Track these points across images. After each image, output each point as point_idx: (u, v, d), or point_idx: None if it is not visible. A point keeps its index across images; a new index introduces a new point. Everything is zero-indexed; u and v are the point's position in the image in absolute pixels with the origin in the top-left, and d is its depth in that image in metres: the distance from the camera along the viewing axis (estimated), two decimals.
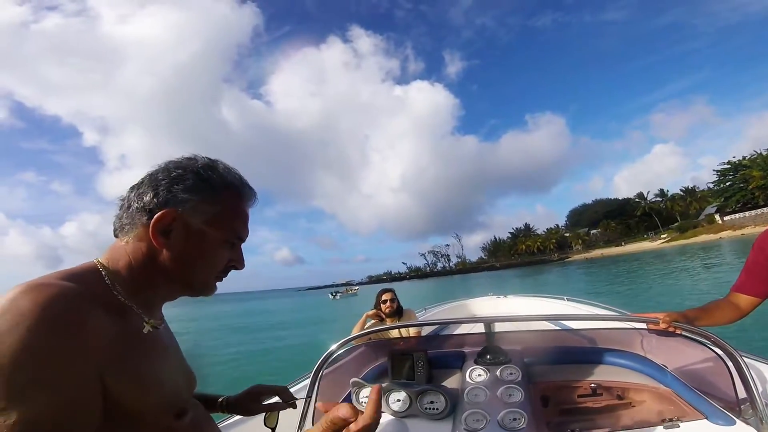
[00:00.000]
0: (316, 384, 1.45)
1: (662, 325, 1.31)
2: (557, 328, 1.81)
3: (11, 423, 0.45)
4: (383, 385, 1.33)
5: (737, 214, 63.21)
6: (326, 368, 1.50)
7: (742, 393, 1.19)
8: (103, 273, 0.64)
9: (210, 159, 0.71)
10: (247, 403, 1.05)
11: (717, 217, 68.08)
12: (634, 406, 1.27)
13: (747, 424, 1.10)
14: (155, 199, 0.65)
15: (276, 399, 1.09)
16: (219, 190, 0.68)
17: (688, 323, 1.32)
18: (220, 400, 1.03)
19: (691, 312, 1.44)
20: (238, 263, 0.74)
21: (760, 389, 1.27)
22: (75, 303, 0.54)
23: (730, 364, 1.21)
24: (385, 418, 1.30)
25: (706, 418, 1.13)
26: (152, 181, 0.66)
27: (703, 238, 59.58)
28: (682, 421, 1.13)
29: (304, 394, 1.48)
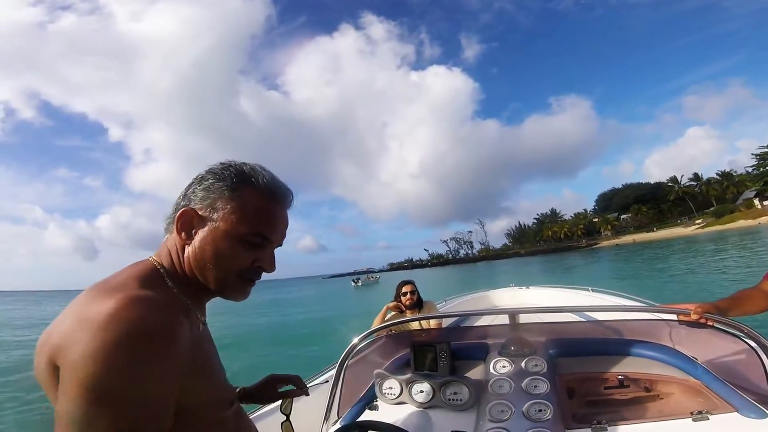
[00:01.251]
0: (342, 375, 1.49)
1: (693, 317, 1.27)
2: (583, 319, 1.77)
3: (107, 426, 0.50)
4: (407, 376, 1.35)
5: None
6: (350, 360, 1.52)
7: None
8: (163, 273, 0.69)
9: (240, 162, 0.73)
10: (264, 392, 1.09)
11: (756, 201, 64.52)
12: (662, 398, 1.25)
13: None
14: (183, 201, 0.71)
15: (290, 387, 1.13)
16: (238, 188, 0.69)
17: (720, 314, 1.29)
18: (237, 390, 1.05)
19: (722, 302, 1.39)
20: (264, 264, 0.72)
21: None
22: (167, 315, 0.59)
23: (763, 356, 1.18)
24: (409, 409, 1.32)
25: (737, 411, 1.10)
26: (189, 183, 0.73)
27: (741, 223, 56.67)
28: (711, 414, 1.10)
29: (329, 385, 1.52)
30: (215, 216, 0.68)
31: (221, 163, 0.72)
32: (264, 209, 0.70)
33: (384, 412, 1.35)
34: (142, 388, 0.52)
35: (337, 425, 1.18)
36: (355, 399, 1.46)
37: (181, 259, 0.70)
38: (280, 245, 0.75)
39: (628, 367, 1.38)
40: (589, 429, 1.12)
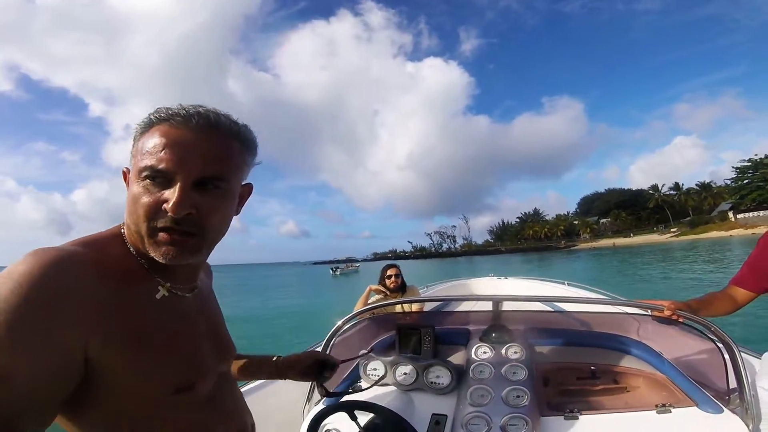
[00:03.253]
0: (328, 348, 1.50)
1: (666, 313, 1.35)
2: (561, 310, 1.84)
3: None
4: (391, 358, 1.38)
5: (752, 213, 62.05)
6: (335, 340, 1.54)
7: (732, 384, 1.23)
8: (125, 235, 0.63)
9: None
10: (306, 363, 1.02)
11: (731, 214, 66.95)
12: (630, 390, 1.31)
13: (734, 413, 1.14)
14: None
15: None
16: (144, 131, 0.61)
17: (691, 312, 1.36)
18: (274, 359, 1.00)
19: (693, 302, 1.47)
20: (167, 202, 0.57)
21: (750, 380, 1.31)
22: (69, 270, 0.52)
23: (726, 354, 1.25)
24: (393, 391, 1.35)
25: (697, 405, 1.17)
26: None
27: (714, 234, 58.88)
28: (674, 407, 1.16)
29: None
30: (131, 165, 0.62)
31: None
32: (155, 138, 0.59)
33: (367, 393, 1.36)
34: (7, 337, 0.46)
35: (320, 405, 1.19)
36: (339, 380, 1.48)
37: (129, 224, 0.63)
38: (203, 177, 0.59)
39: (600, 358, 1.45)
40: (562, 417, 1.17)
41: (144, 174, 0.58)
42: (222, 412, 0.73)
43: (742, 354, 1.80)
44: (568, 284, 4.17)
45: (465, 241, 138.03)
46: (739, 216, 64.30)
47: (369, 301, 3.19)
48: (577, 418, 1.15)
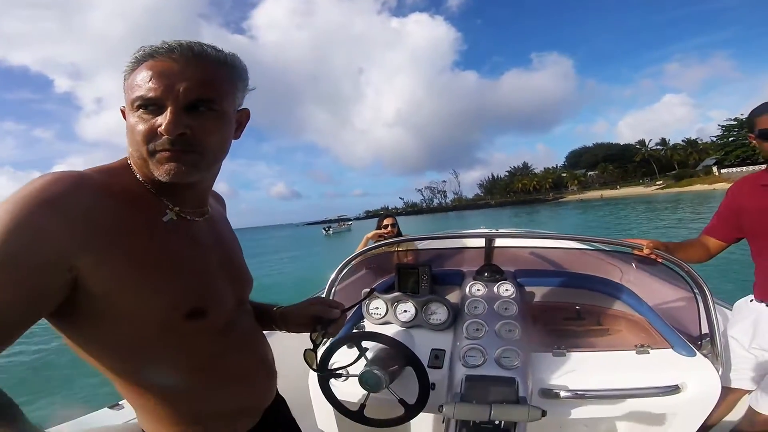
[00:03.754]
0: (331, 297, 1.54)
1: (645, 251, 1.42)
2: (551, 248, 1.93)
3: None
4: (393, 295, 1.45)
5: (735, 168, 62.97)
6: (338, 284, 1.58)
7: (705, 329, 1.32)
8: (130, 163, 0.65)
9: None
10: (300, 316, 0.90)
11: (715, 169, 67.93)
12: (612, 332, 1.40)
13: (705, 357, 1.22)
14: None
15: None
16: (133, 68, 0.63)
17: (668, 253, 1.43)
18: (274, 309, 0.92)
19: (671, 244, 1.55)
20: (161, 126, 0.60)
21: (721, 328, 1.43)
22: (68, 189, 0.53)
23: (699, 298, 1.33)
24: (394, 328, 1.43)
25: (672, 347, 1.24)
26: None
27: (698, 187, 59.88)
28: (651, 348, 1.23)
29: None
30: (125, 100, 0.65)
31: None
32: (142, 72, 0.62)
33: (370, 330, 1.42)
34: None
35: (328, 343, 1.19)
36: (343, 320, 1.57)
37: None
38: (192, 100, 0.61)
39: (586, 299, 1.54)
40: (551, 353, 1.25)
41: (137, 104, 0.61)
42: (240, 344, 0.73)
43: (720, 306, 1.96)
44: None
45: (455, 196, 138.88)
46: (723, 171, 65.27)
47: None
48: (564, 354, 1.23)
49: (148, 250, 0.60)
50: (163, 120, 0.60)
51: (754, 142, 1.42)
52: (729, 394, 1.47)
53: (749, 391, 1.46)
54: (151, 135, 0.60)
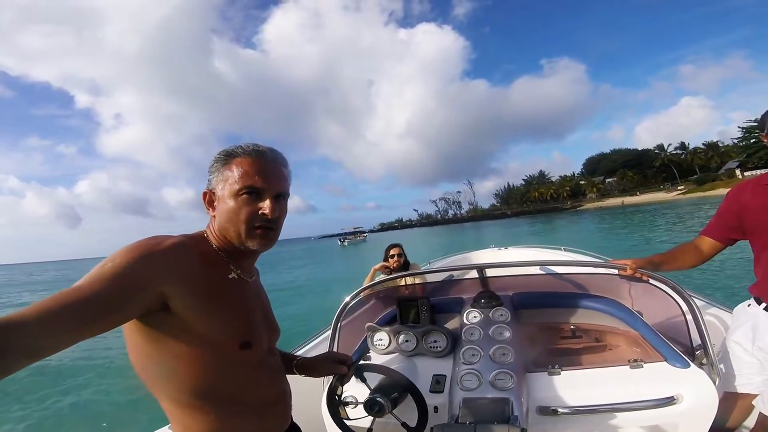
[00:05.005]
0: (337, 331, 1.65)
1: (629, 271, 1.46)
2: (543, 273, 1.99)
3: (76, 287, 0.65)
4: (394, 327, 1.54)
5: (758, 171, 60.88)
6: (344, 319, 1.68)
7: (697, 339, 1.35)
8: (206, 235, 0.91)
9: (233, 146, 0.91)
10: (317, 367, 1.16)
11: (738, 172, 65.87)
12: (608, 348, 1.44)
13: (700, 367, 1.24)
14: (206, 188, 0.92)
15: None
16: (227, 161, 0.87)
17: (654, 268, 1.46)
18: (294, 362, 1.15)
19: (657, 257, 1.58)
20: (264, 209, 0.86)
21: (718, 337, 1.42)
22: (166, 242, 0.78)
23: (686, 310, 1.38)
24: (398, 358, 1.50)
25: (666, 360, 1.26)
26: None
27: (721, 191, 57.88)
28: (645, 362, 1.26)
29: (326, 344, 1.70)
30: (219, 187, 0.87)
31: (220, 151, 0.91)
32: (247, 167, 0.86)
33: (376, 362, 1.49)
34: (102, 271, 0.68)
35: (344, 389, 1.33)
36: (350, 352, 1.61)
37: (214, 228, 0.89)
38: (280, 192, 0.89)
39: (581, 318, 1.58)
40: (545, 372, 1.29)
41: (243, 191, 0.85)
42: (269, 378, 0.95)
43: (715, 308, 1.97)
44: (565, 249, 4.33)
45: (471, 207, 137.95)
46: (746, 173, 63.07)
47: (374, 280, 3.34)
48: (559, 373, 1.28)
49: (218, 293, 0.83)
50: (264, 205, 0.86)
51: (766, 141, 1.45)
52: (738, 400, 1.47)
53: (756, 395, 1.45)
54: (254, 215, 0.85)
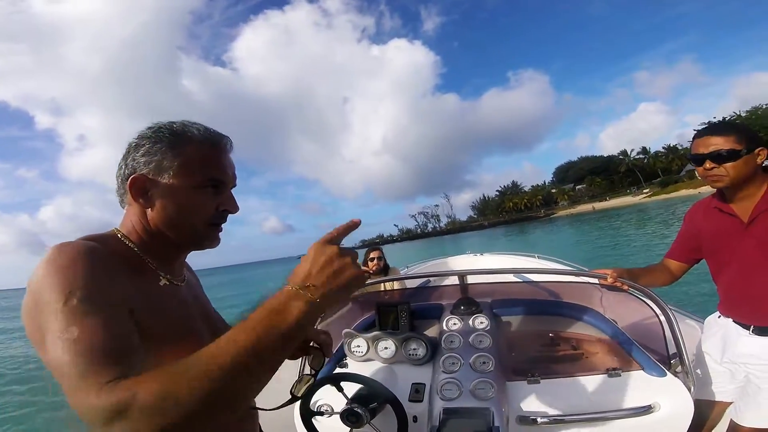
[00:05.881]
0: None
1: (609, 280, 1.49)
2: (523, 281, 2.02)
3: (75, 337, 0.53)
4: (373, 334, 1.50)
5: None
6: (319, 324, 1.62)
7: (673, 348, 1.37)
8: (120, 236, 0.74)
9: (169, 121, 0.76)
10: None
11: (697, 173, 69.24)
12: (586, 356, 1.44)
13: (676, 376, 1.26)
14: (125, 170, 0.74)
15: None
16: (177, 144, 0.73)
17: (632, 279, 1.49)
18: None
19: (636, 270, 1.62)
20: (228, 206, 0.77)
21: (692, 346, 1.44)
22: (102, 255, 0.64)
23: (663, 320, 1.40)
24: (376, 365, 1.47)
25: (643, 369, 1.27)
26: (124, 154, 0.76)
27: (684, 192, 60.77)
28: (622, 371, 1.27)
29: None
30: (166, 175, 0.72)
31: (149, 128, 0.75)
32: (208, 156, 0.75)
33: (353, 369, 1.46)
34: (82, 306, 0.55)
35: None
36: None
37: (144, 223, 0.74)
38: (235, 186, 0.80)
39: (560, 326, 1.59)
40: (525, 381, 1.28)
41: (208, 184, 0.74)
42: None
43: (688, 318, 2.03)
44: (539, 257, 4.42)
45: (449, 219, 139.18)
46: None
47: None
48: (538, 382, 1.28)
49: (156, 306, 0.70)
50: (224, 200, 0.77)
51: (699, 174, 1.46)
52: (712, 408, 1.52)
53: (730, 403, 1.50)
54: (216, 211, 0.76)
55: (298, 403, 1.23)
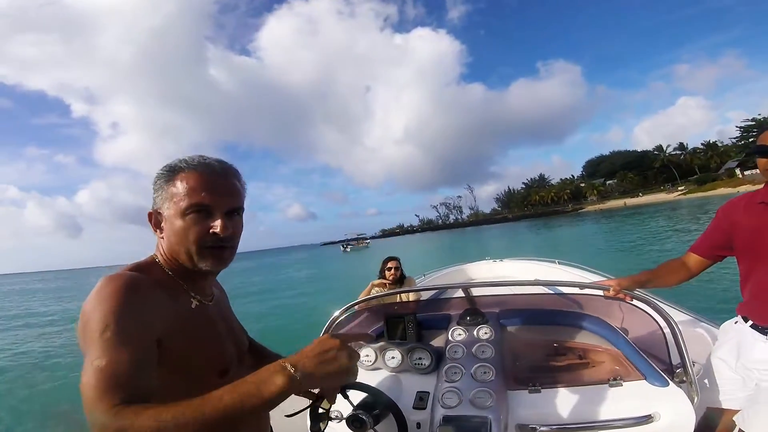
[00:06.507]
0: None
1: (612, 292, 1.49)
2: (530, 292, 2.02)
3: (102, 366, 0.63)
4: (380, 344, 1.57)
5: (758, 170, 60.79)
6: (331, 331, 1.69)
7: (676, 357, 1.37)
8: (158, 261, 0.86)
9: (176, 160, 0.85)
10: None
11: (738, 171, 65.76)
12: (592, 366, 1.44)
13: (678, 386, 1.25)
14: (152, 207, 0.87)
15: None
16: (171, 177, 0.82)
17: (640, 286, 1.48)
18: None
19: (643, 275, 1.60)
20: (215, 228, 0.81)
21: (705, 352, 1.43)
22: (142, 287, 0.74)
23: (667, 330, 1.40)
24: (383, 373, 1.53)
25: (645, 378, 1.27)
26: None
27: (722, 191, 57.94)
28: (624, 380, 1.27)
29: None
30: (165, 206, 0.82)
31: (162, 167, 0.85)
32: (193, 183, 0.80)
33: (361, 378, 1.50)
34: (115, 337, 0.66)
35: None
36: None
37: (164, 251, 0.85)
38: (232, 208, 0.84)
39: (565, 336, 1.59)
40: (526, 391, 1.30)
41: (191, 209, 0.80)
42: None
43: (703, 324, 2.00)
44: (559, 263, 4.33)
45: (472, 211, 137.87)
46: (746, 173, 63.00)
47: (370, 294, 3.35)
48: (539, 391, 1.30)
49: (189, 326, 0.81)
50: (215, 223, 0.81)
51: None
52: (721, 415, 1.49)
53: (739, 411, 1.47)
54: (204, 235, 0.81)
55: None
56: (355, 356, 0.71)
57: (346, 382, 0.72)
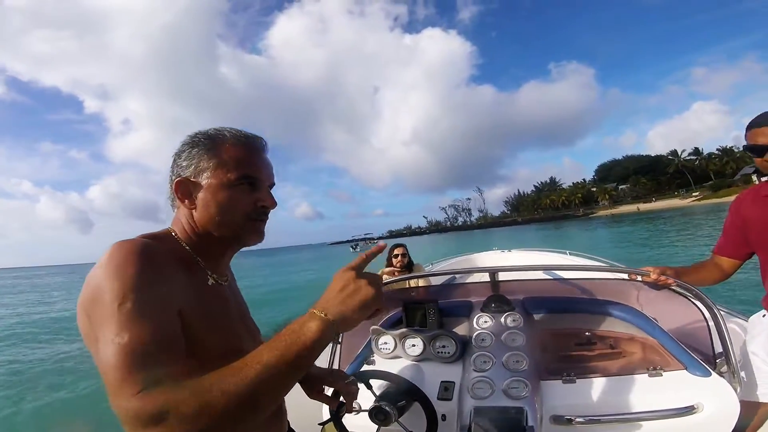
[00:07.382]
0: (340, 335, 1.55)
1: (653, 276, 1.42)
2: (557, 278, 1.93)
3: (124, 343, 0.57)
4: (400, 331, 1.48)
5: None
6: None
7: (719, 347, 1.31)
8: (174, 235, 0.81)
9: (209, 129, 0.83)
10: (315, 383, 1.04)
11: (754, 177, 64.45)
12: (624, 355, 1.39)
13: (721, 376, 1.21)
14: (173, 176, 0.81)
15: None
16: (213, 146, 0.79)
17: (677, 278, 1.42)
18: None
19: (681, 269, 1.54)
20: (264, 201, 0.81)
21: (737, 345, 1.37)
22: (159, 253, 0.68)
23: (709, 318, 1.34)
24: (403, 362, 1.45)
25: (686, 368, 1.23)
26: (171, 164, 0.83)
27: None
28: (664, 370, 1.23)
29: (327, 347, 1.65)
30: (204, 176, 0.78)
31: (188, 136, 0.82)
32: (242, 154, 0.79)
33: (380, 366, 1.44)
34: (135, 308, 0.59)
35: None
36: (353, 356, 1.57)
37: (192, 224, 0.80)
38: (273, 184, 0.85)
39: (596, 325, 1.53)
40: (560, 380, 1.25)
41: (241, 181, 0.78)
42: None
43: (732, 317, 1.91)
44: (570, 253, 4.24)
45: (480, 214, 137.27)
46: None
47: None
48: (574, 381, 1.24)
49: (206, 303, 0.76)
50: (261, 195, 0.80)
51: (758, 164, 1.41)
52: (758, 409, 1.43)
53: None
54: (252, 206, 0.80)
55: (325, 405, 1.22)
56: (375, 280, 0.68)
57: (375, 307, 0.68)
